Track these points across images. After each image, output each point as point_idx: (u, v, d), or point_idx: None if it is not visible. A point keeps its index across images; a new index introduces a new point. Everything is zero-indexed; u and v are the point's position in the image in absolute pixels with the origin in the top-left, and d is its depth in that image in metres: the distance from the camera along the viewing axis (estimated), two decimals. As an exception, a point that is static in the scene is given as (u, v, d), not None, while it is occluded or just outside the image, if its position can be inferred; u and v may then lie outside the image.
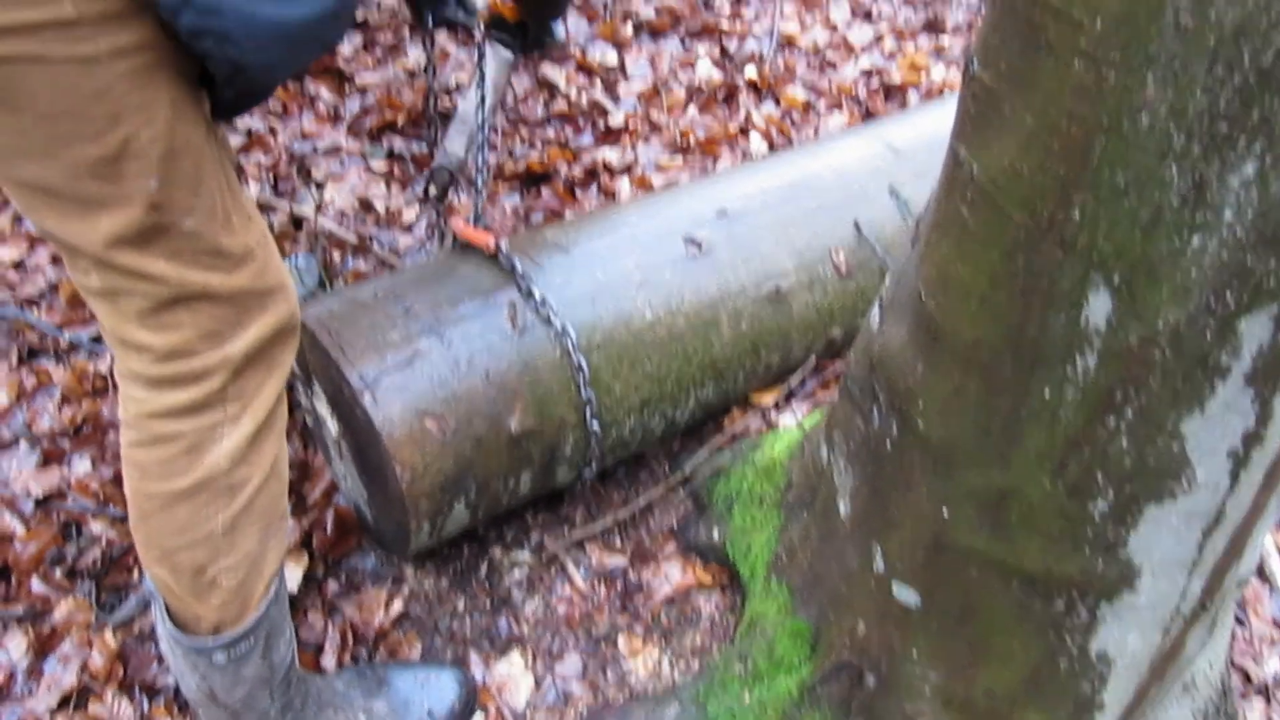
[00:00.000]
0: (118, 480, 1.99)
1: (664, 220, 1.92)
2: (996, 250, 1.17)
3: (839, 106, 2.88)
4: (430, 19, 1.80)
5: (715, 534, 1.86)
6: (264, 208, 2.45)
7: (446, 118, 2.75)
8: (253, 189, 2.51)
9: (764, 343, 1.94)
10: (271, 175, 2.54)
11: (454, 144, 2.15)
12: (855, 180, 2.08)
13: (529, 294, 1.72)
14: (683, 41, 3.09)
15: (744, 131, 2.74)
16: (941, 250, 1.27)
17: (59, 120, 1.10)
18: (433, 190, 2.12)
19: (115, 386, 2.14)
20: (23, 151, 1.13)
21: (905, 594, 1.46)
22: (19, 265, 2.40)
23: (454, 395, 1.63)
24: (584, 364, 1.70)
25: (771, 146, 2.70)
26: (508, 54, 2.12)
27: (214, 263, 1.25)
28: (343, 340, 1.63)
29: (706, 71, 2.94)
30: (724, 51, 3.06)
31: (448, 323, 1.67)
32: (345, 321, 1.66)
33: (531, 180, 2.59)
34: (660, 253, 1.86)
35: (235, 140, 2.62)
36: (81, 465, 2.01)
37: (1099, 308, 1.11)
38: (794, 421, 1.97)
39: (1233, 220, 1.00)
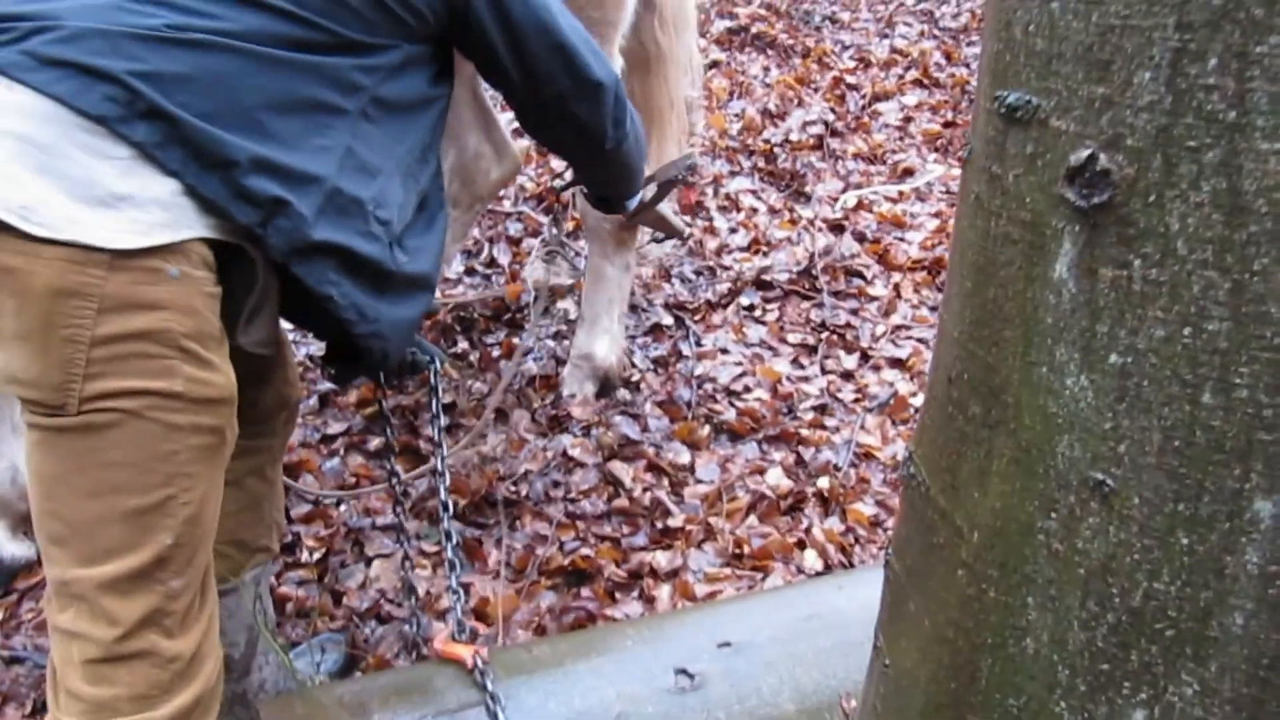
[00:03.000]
0: None
1: (661, 646, 1.84)
2: (906, 756, 1.06)
3: (908, 526, 2.80)
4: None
5: None
6: (306, 582, 2.49)
7: (511, 503, 2.80)
8: (306, 557, 2.58)
9: (754, 795, 1.77)
10: (325, 548, 2.61)
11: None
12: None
13: (495, 717, 1.65)
14: (760, 446, 3.11)
15: (801, 545, 2.68)
16: (864, 741, 1.16)
17: (120, 468, 1.29)
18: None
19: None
20: (74, 487, 1.30)
21: None
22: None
23: (389, 824, 1.53)
24: (536, 803, 1.59)
25: (826, 564, 2.62)
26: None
27: (170, 625, 1.37)
28: (291, 748, 1.58)
29: (776, 479, 2.93)
30: (799, 459, 3.05)
31: (402, 740, 1.61)
32: (302, 726, 1.62)
33: (575, 577, 2.56)
34: (647, 683, 1.76)
35: (303, 509, 2.72)
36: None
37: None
38: None
39: (1133, 772, 0.87)
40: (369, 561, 2.60)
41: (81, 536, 1.31)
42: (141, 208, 1.26)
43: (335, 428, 3.02)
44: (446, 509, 1.92)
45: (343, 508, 2.73)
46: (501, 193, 3.77)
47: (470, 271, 3.83)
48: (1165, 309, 0.76)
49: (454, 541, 1.83)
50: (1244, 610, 0.77)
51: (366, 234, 1.46)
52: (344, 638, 2.35)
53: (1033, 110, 0.82)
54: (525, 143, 4.52)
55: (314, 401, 3.11)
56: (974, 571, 0.93)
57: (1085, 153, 0.78)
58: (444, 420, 2.03)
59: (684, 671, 1.79)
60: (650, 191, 2.43)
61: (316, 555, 2.59)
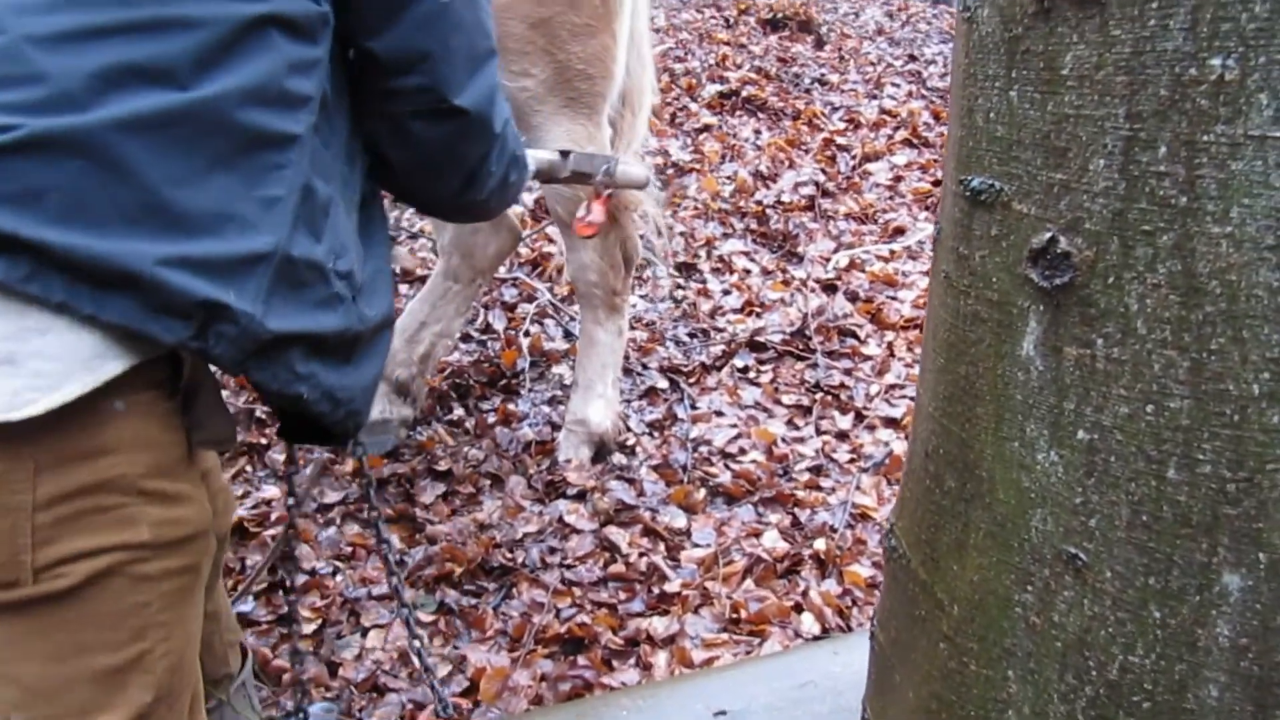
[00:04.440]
0: None
1: (657, 716, 1.84)
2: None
3: (905, 588, 2.79)
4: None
5: None
6: (299, 652, 2.48)
7: (507, 570, 2.79)
8: (304, 629, 2.57)
9: None
10: (322, 619, 2.60)
11: None
12: (880, 683, 1.96)
13: (489, 791, 1.64)
14: (756, 508, 3.11)
15: (798, 609, 2.67)
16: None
17: (85, 629, 1.12)
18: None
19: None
20: (33, 652, 1.11)
21: None
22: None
23: None
24: None
25: (824, 628, 2.61)
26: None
27: None
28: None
29: (772, 541, 2.93)
30: (795, 521, 3.05)
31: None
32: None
33: (571, 644, 2.55)
34: (643, 754, 1.76)
35: (299, 580, 2.71)
36: None
37: None
38: None
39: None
40: (365, 632, 2.59)
41: (46, 700, 1.12)
42: (43, 358, 1.00)
43: (332, 497, 3.03)
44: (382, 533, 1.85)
45: (339, 578, 2.73)
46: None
47: (466, 338, 3.85)
48: (1128, 387, 0.78)
49: (412, 614, 1.81)
50: (1218, 683, 0.78)
51: (329, 300, 1.19)
52: (338, 707, 2.34)
53: (996, 194, 0.84)
54: (519, 209, 4.58)
55: (310, 470, 3.12)
56: (955, 644, 0.94)
57: (1046, 235, 0.80)
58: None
59: (679, 742, 1.79)
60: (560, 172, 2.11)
61: (312, 626, 2.58)
